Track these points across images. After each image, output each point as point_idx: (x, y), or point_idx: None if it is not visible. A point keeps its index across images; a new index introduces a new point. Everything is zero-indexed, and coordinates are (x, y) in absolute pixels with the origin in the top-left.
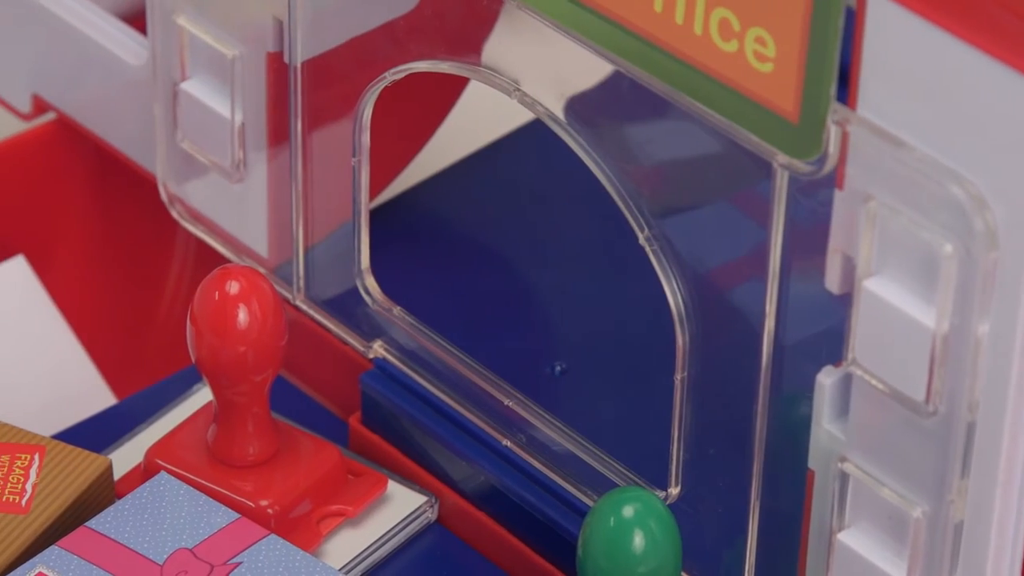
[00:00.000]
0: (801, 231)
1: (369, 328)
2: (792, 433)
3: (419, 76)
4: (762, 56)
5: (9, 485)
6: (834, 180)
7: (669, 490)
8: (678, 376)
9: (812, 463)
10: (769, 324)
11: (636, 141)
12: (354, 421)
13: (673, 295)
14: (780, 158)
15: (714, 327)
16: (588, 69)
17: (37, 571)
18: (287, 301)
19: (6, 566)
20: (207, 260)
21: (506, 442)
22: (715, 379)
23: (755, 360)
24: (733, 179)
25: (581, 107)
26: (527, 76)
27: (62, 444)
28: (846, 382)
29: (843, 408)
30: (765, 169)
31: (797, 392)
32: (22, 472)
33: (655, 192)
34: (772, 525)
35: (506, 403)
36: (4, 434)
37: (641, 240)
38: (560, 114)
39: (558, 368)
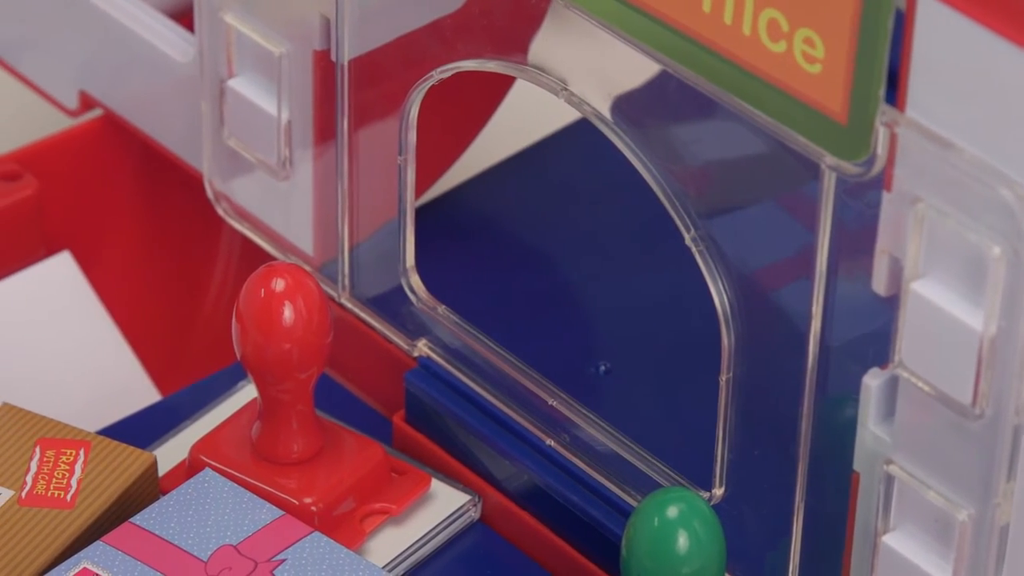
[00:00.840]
0: (848, 232)
1: (414, 326)
2: (837, 435)
3: (465, 75)
4: (811, 57)
5: (54, 480)
6: (882, 182)
7: (713, 491)
8: (723, 377)
9: (857, 465)
10: (815, 325)
11: (683, 141)
12: (398, 419)
13: (719, 295)
14: (828, 159)
15: (760, 328)
16: (635, 69)
17: (82, 566)
18: (332, 299)
19: (51, 561)
20: (252, 257)
21: (550, 441)
22: (760, 380)
23: (801, 361)
24: (780, 180)
25: (628, 107)
26: (574, 75)
27: (107, 440)
28: (892, 384)
29: (889, 410)
30: (813, 170)
31: (843, 394)
32: (67, 467)
33: (702, 192)
34: (816, 527)
35: (550, 402)
36: (50, 430)
37: (687, 240)
38: (607, 114)
39: (602, 368)
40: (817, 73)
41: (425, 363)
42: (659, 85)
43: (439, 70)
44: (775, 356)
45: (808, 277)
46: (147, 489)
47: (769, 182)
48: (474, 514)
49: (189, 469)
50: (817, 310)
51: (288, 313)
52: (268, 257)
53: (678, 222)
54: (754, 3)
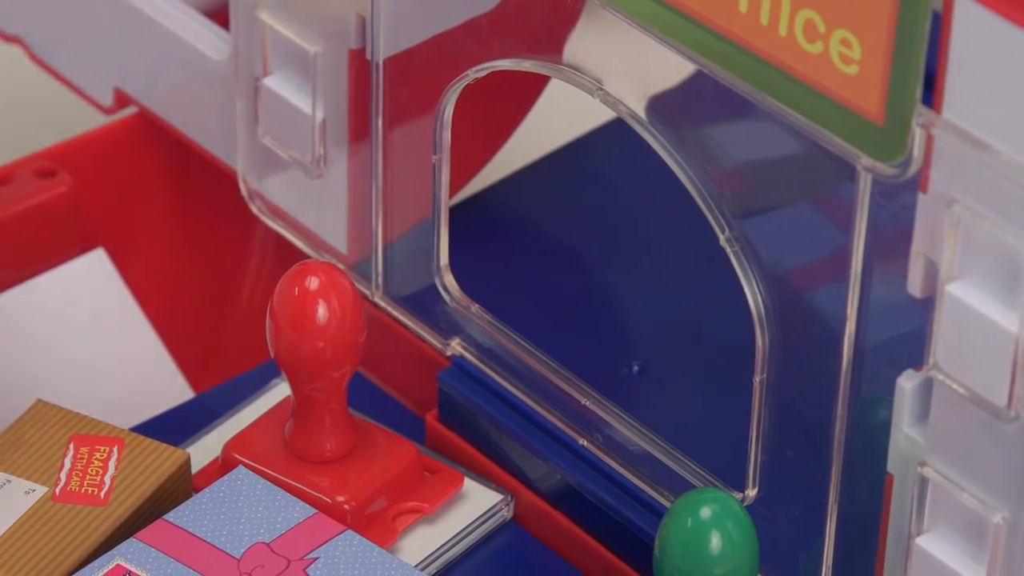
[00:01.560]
0: (883, 234)
1: (447, 326)
2: (871, 436)
3: (500, 73)
4: (847, 58)
5: (88, 477)
6: (917, 183)
7: (746, 491)
8: (757, 378)
9: (891, 467)
10: (850, 327)
11: (718, 141)
12: (431, 418)
13: (753, 296)
14: (864, 160)
15: (794, 329)
16: (670, 68)
17: (115, 563)
18: (365, 298)
19: (85, 557)
20: (285, 255)
21: (583, 441)
22: (794, 381)
23: (835, 363)
24: (815, 181)
25: (663, 107)
26: (610, 75)
27: (141, 437)
28: (927, 386)
29: (923, 412)
30: (848, 172)
31: (877, 395)
32: (101, 464)
33: (737, 193)
34: (849, 528)
35: (583, 402)
36: (83, 426)
37: (722, 241)
38: (642, 113)
39: (636, 368)
40: (853, 74)
41: (458, 362)
42: (694, 85)
43: (474, 69)
44: (809, 357)
45: (843, 278)
46: (180, 486)
47: (804, 183)
48: (507, 513)
49: (222, 467)
50: (852, 312)
51: (322, 311)
52: (301, 255)
53: (713, 223)
54: (791, 4)
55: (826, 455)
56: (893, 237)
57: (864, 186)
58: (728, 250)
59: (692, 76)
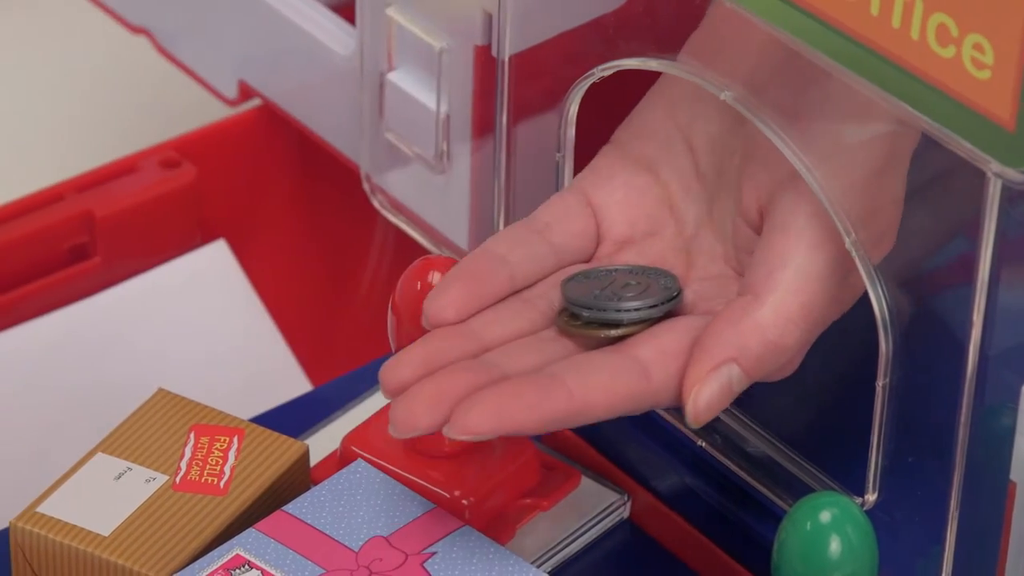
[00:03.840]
0: (1011, 240)
1: None
2: (994, 444)
3: (623, 71)
4: (979, 63)
5: (208, 467)
6: None
7: (866, 496)
8: (880, 382)
9: (1014, 475)
10: (975, 334)
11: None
12: None
13: (878, 300)
14: (993, 166)
15: (918, 334)
16: None
17: (234, 553)
18: None
19: (204, 546)
20: (406, 250)
21: (701, 442)
22: (917, 386)
23: (959, 369)
24: (943, 186)
25: (788, 107)
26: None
27: (260, 428)
28: None
29: None
30: (977, 177)
31: (1000, 403)
32: (221, 454)
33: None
34: (970, 536)
35: None
36: (204, 416)
37: (848, 244)
38: (767, 113)
39: None
40: (986, 79)
41: None
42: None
43: (600, 68)
44: (933, 363)
45: (968, 284)
46: (298, 478)
47: (931, 187)
48: (623, 512)
49: (340, 460)
50: (978, 318)
51: None
52: (421, 250)
53: (839, 225)
54: (923, 7)
55: (948, 461)
56: (1021, 243)
57: (993, 192)
58: (853, 253)
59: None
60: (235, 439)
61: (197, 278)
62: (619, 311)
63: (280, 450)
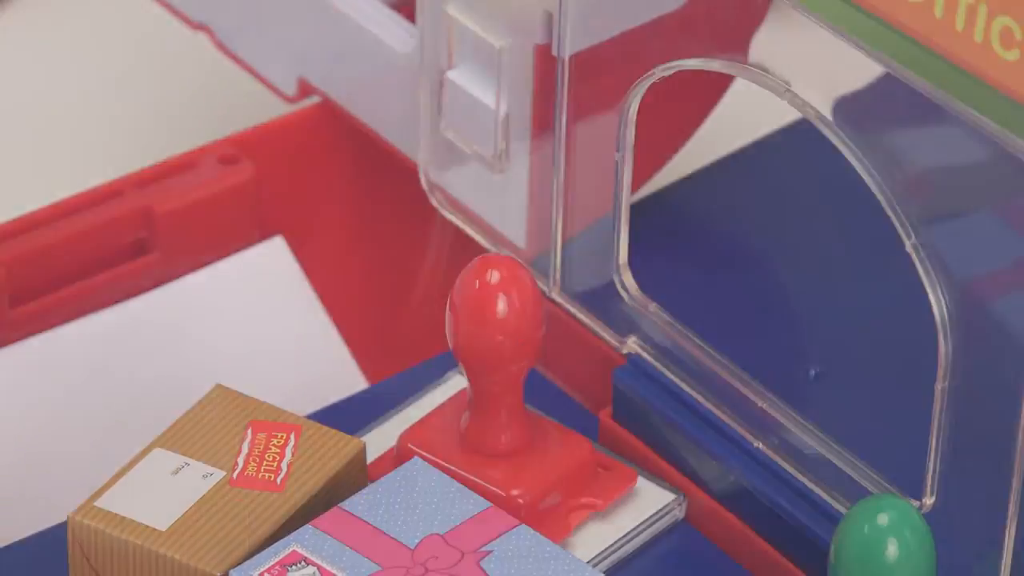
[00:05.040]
0: None
1: (624, 324)
2: None
3: (684, 72)
4: None
5: (265, 463)
6: None
7: (924, 499)
8: (939, 386)
9: None
10: None
11: (905, 146)
12: (604, 416)
13: (937, 303)
14: None
15: (978, 338)
16: (859, 70)
17: (291, 549)
18: (542, 293)
19: (261, 542)
20: (463, 248)
21: (758, 443)
22: (977, 390)
23: (1018, 373)
24: (1003, 189)
25: (850, 109)
26: (798, 76)
27: (317, 425)
28: None
29: None
30: None
31: None
32: (278, 451)
33: (923, 198)
34: None
35: (759, 404)
36: (261, 412)
37: (908, 247)
38: (829, 116)
39: (813, 372)
40: None
41: (634, 360)
42: (883, 88)
43: (661, 68)
44: (992, 366)
45: None
46: (355, 475)
47: (992, 190)
48: (679, 513)
49: (397, 457)
50: None
51: (502, 305)
52: (479, 249)
53: (899, 228)
54: (987, 10)
55: (1007, 466)
56: None
57: None
58: (913, 256)
59: (880, 79)
60: (292, 436)
61: (254, 275)
62: None
63: (337, 447)
